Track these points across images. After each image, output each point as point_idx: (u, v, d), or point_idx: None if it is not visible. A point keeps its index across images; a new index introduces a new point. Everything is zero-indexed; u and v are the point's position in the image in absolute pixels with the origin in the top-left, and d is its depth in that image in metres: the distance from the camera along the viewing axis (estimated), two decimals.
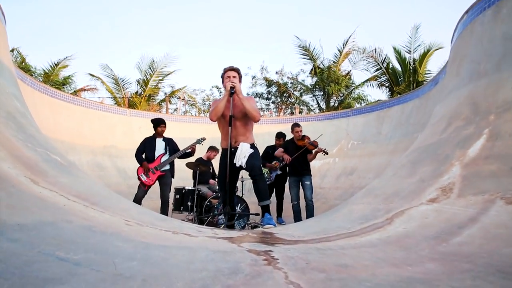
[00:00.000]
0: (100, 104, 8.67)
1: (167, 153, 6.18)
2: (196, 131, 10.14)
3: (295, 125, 6.43)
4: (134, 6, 33.02)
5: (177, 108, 18.27)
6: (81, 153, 7.49)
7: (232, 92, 3.94)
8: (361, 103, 17.19)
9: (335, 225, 2.52)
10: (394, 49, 15.48)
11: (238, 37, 33.17)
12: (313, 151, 6.29)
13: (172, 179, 6.26)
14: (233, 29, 33.44)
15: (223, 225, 5.91)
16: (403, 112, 7.61)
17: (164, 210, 6.17)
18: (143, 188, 5.94)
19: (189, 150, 6.20)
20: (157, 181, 6.07)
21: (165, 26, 33.38)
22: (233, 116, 3.95)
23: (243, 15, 33.25)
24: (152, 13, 33.09)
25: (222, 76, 4.19)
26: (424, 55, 14.91)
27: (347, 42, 16.36)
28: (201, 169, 6.79)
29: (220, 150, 4.31)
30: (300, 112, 16.80)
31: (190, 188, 6.83)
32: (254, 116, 3.95)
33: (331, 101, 16.84)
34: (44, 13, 29.87)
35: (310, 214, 6.20)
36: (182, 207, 6.71)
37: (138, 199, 5.96)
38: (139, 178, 5.95)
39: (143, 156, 6.11)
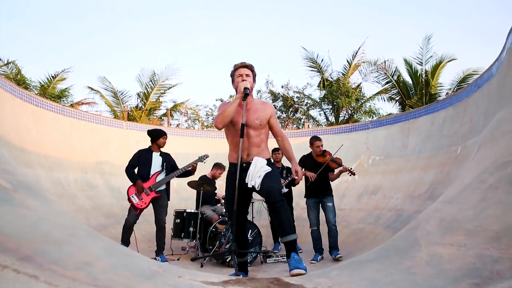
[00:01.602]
0: (93, 115, 7.83)
1: (164, 171, 5.28)
2: (198, 146, 9.26)
3: (315, 139, 5.53)
4: (136, 18, 32.71)
5: (179, 123, 17.46)
6: (69, 169, 6.60)
7: (247, 93, 3.06)
8: (372, 117, 16.35)
9: (422, 282, 1.60)
10: (405, 61, 14.75)
11: (243, 50, 32.67)
12: (337, 170, 5.39)
13: (168, 201, 5.36)
14: (237, 42, 32.99)
15: (230, 257, 4.97)
16: (433, 122, 6.72)
17: (160, 238, 5.24)
18: (134, 212, 5.02)
19: (190, 169, 5.33)
20: (150, 204, 5.17)
21: (167, 40, 32.99)
22: (246, 125, 3.06)
23: (248, 27, 32.87)
24: (154, 26, 32.73)
25: (232, 75, 3.32)
26: (437, 67, 14.17)
27: (356, 53, 15.64)
28: (205, 188, 5.88)
29: (227, 166, 3.43)
30: (308, 127, 15.95)
31: (192, 211, 5.90)
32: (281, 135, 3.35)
33: (340, 115, 16.01)
34: (41, 25, 29.52)
35: (333, 241, 5.27)
36: (183, 233, 5.77)
37: (129, 226, 5.04)
38: (129, 200, 5.04)
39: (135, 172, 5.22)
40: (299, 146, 9.50)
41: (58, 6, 31.71)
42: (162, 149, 5.39)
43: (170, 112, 16.25)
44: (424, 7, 29.01)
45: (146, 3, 31.96)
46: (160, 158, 5.31)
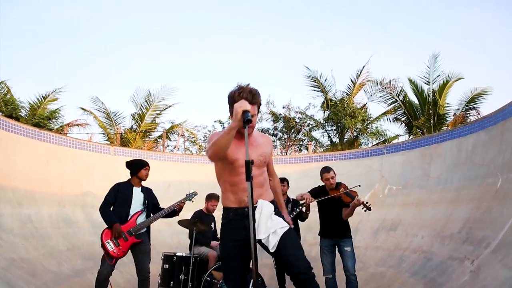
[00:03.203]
0: (74, 140, 7.00)
1: (145, 211, 4.42)
2: (194, 173, 8.39)
3: (324, 170, 4.64)
4: (130, 36, 32.30)
5: (175, 145, 16.64)
6: (43, 204, 5.72)
7: (249, 119, 2.22)
8: (379, 139, 15.56)
9: None
10: (410, 80, 14.11)
11: (243, 67, 32.11)
12: (351, 204, 4.48)
13: (150, 245, 4.48)
14: (237, 60, 32.48)
15: None
16: (461, 148, 5.88)
17: None
18: (109, 262, 4.11)
19: (175, 209, 4.48)
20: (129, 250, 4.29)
21: (163, 59, 32.46)
22: (252, 162, 2.20)
23: (248, 45, 32.42)
24: (150, 44, 32.29)
25: (231, 103, 2.47)
26: (444, 86, 13.53)
27: (361, 72, 14.97)
28: (199, 228, 5.00)
29: (221, 211, 2.68)
30: (313, 150, 15.16)
31: (184, 254, 5.01)
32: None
33: (345, 137, 15.22)
34: (32, 44, 29.03)
35: None
36: (172, 282, 4.85)
37: (103, 280, 4.12)
38: (103, 247, 4.15)
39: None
40: (305, 172, 8.69)
41: (50, 24, 31.35)
42: (143, 183, 4.55)
43: (167, 134, 15.46)
44: (429, 26, 28.61)
45: (141, 20, 31.59)
46: (142, 195, 4.44)
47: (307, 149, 17.40)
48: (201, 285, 4.77)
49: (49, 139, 6.38)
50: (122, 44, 31.87)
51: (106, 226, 4.20)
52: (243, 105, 2.27)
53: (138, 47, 31.56)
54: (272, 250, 2.38)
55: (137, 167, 4.40)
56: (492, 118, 5.35)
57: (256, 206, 2.46)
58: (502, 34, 27.51)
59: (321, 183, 4.73)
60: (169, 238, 7.08)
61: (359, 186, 4.69)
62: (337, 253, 4.55)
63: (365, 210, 4.35)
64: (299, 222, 5.61)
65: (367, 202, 4.35)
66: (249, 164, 2.14)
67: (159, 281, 4.91)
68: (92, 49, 29.92)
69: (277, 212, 2.57)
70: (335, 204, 4.49)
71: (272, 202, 2.59)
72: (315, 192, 4.77)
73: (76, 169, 6.72)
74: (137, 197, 4.39)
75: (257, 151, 2.54)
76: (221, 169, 2.59)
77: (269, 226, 2.42)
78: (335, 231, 4.50)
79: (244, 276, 2.56)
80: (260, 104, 2.59)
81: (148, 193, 4.50)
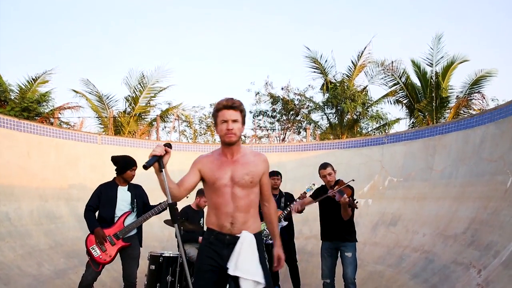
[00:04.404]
0: (58, 129, 6.61)
1: (134, 211, 4.10)
2: (188, 163, 8.04)
3: (320, 167, 4.32)
4: (124, 16, 31.37)
5: (170, 130, 16.25)
6: (22, 199, 5.40)
7: (144, 165, 2.13)
8: (380, 123, 15.17)
9: None
10: (413, 62, 13.61)
11: (240, 48, 31.31)
12: (341, 202, 4.11)
13: (140, 249, 4.19)
14: (234, 40, 31.65)
15: None
16: (468, 141, 5.52)
17: None
18: (95, 269, 3.83)
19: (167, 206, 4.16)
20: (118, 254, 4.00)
21: (158, 39, 31.60)
22: (232, 181, 2.31)
23: (246, 26, 31.52)
24: (144, 25, 31.38)
25: (215, 116, 2.39)
26: (447, 69, 13.05)
27: (362, 53, 14.44)
28: (186, 227, 4.70)
29: (204, 231, 2.54)
30: (311, 135, 14.78)
31: (171, 254, 4.71)
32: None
33: (344, 120, 14.82)
34: (22, 25, 28.17)
35: None
36: (158, 284, 4.57)
37: (86, 285, 3.85)
38: (88, 253, 3.86)
39: (96, 215, 4.04)
40: (302, 161, 8.35)
41: (40, 4, 30.35)
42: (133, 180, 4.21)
43: (162, 117, 15.04)
44: (433, 6, 27.72)
45: (135, 1, 30.62)
46: (129, 194, 4.11)
47: (305, 131, 17.06)
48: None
49: (30, 129, 5.99)
50: (115, 24, 30.99)
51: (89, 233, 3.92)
52: (156, 148, 2.15)
53: (132, 28, 30.71)
54: None
55: (122, 167, 4.04)
56: (503, 110, 4.95)
57: (238, 237, 2.28)
58: (508, 15, 26.65)
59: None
60: (159, 231, 6.80)
61: (353, 180, 4.33)
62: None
63: (351, 209, 4.00)
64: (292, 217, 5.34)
65: (355, 200, 4.00)
66: (172, 207, 2.18)
67: (145, 284, 4.63)
68: (84, 29, 29.10)
69: (260, 250, 2.34)
70: (334, 204, 4.14)
71: (257, 234, 2.36)
72: (316, 192, 4.45)
73: (60, 161, 6.36)
74: (123, 197, 4.06)
75: (243, 170, 2.33)
76: (206, 186, 2.43)
77: (246, 268, 2.21)
78: (335, 233, 4.17)
79: None
80: (245, 114, 2.39)
81: (136, 192, 4.16)
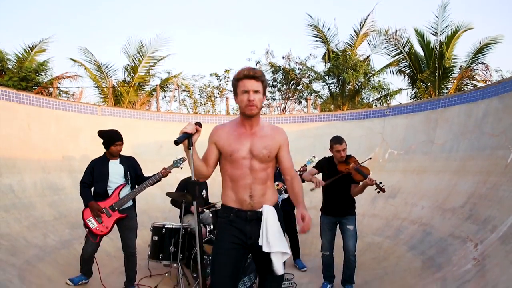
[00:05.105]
0: (58, 100, 6.56)
1: (129, 183, 4.14)
2: None
3: (335, 141, 4.20)
4: None
5: (170, 100, 16.12)
6: (25, 171, 5.43)
7: (175, 140, 2.17)
8: (381, 93, 15.02)
9: None
10: (416, 31, 13.29)
11: (241, 17, 30.56)
12: (361, 183, 4.13)
13: (136, 219, 4.28)
14: (234, 6, 30.81)
15: None
16: (470, 115, 5.48)
17: (130, 267, 4.19)
18: (93, 240, 3.94)
19: (162, 177, 4.25)
20: (115, 226, 4.09)
21: (157, 5, 30.74)
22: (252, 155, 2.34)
23: None
24: None
25: (235, 86, 2.33)
26: (452, 38, 12.75)
27: (365, 22, 14.08)
28: (188, 199, 4.74)
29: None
30: (313, 106, 14.67)
31: (173, 225, 4.79)
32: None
33: (345, 90, 14.67)
34: None
35: (349, 273, 4.20)
36: (161, 254, 4.67)
37: (87, 257, 3.99)
38: (85, 225, 3.95)
39: (91, 191, 4.10)
40: (303, 132, 8.34)
41: None
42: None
43: (161, 87, 14.88)
44: None
45: None
46: (121, 167, 4.14)
47: (306, 101, 16.94)
48: (191, 258, 4.61)
49: (30, 101, 5.94)
50: None
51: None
52: (187, 126, 2.22)
53: None
54: (279, 273, 2.25)
55: (107, 142, 4.05)
56: (507, 84, 4.89)
57: (260, 212, 2.29)
58: None
59: (326, 152, 4.35)
60: (162, 202, 6.88)
61: (370, 158, 4.36)
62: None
63: (378, 192, 3.97)
64: None
65: (380, 183, 3.96)
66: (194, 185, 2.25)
67: (148, 254, 4.74)
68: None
69: (281, 221, 2.36)
70: (342, 180, 4.15)
71: (275, 205, 2.38)
72: (321, 166, 4.42)
73: (61, 132, 6.35)
74: (115, 170, 4.11)
75: (261, 143, 2.31)
76: (222, 160, 2.40)
77: (277, 243, 2.23)
78: (339, 209, 4.20)
79: (234, 285, 2.34)
80: (266, 85, 2.36)
81: (129, 164, 4.20)
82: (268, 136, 2.34)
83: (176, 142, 2.13)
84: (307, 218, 2.25)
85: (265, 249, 2.20)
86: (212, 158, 2.36)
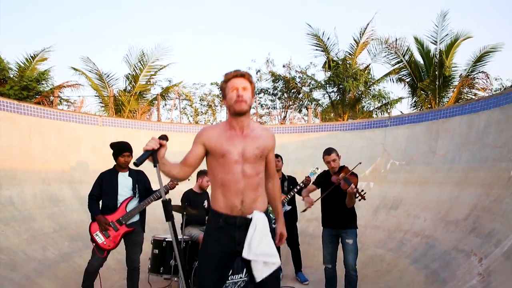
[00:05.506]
0: (59, 111, 6.55)
1: (137, 196, 4.12)
2: (187, 145, 8.03)
3: (324, 152, 4.24)
4: None
5: (170, 109, 16.14)
6: (25, 183, 5.40)
7: (135, 162, 2.12)
8: (382, 102, 15.03)
9: None
10: (416, 39, 13.35)
11: (242, 26, 30.74)
12: (347, 191, 4.10)
13: (143, 234, 4.24)
14: (234, 16, 31.00)
15: None
16: (472, 126, 5.47)
17: (132, 282, 4.15)
18: (100, 255, 3.89)
19: (169, 189, 4.23)
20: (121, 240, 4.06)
21: (157, 16, 30.93)
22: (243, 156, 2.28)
23: (248, 2, 30.81)
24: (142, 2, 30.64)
25: (223, 88, 2.32)
26: (451, 46, 12.80)
27: (364, 30, 14.14)
28: (189, 212, 4.72)
29: (208, 214, 2.54)
30: (313, 114, 14.67)
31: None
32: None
33: (346, 98, 14.68)
34: (21, 2, 27.44)
35: (351, 287, 4.14)
36: (162, 268, 4.63)
37: (92, 271, 3.93)
38: (93, 240, 3.91)
39: (100, 204, 4.07)
40: (304, 143, 8.32)
41: None
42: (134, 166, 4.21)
43: (162, 96, 14.90)
44: None
45: None
46: (130, 180, 4.13)
47: (307, 109, 16.96)
48: (192, 271, 4.57)
49: (30, 112, 5.94)
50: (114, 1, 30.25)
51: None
52: (148, 142, 2.09)
53: (132, 4, 29.97)
54: (257, 280, 2.16)
55: (115, 153, 4.05)
56: (509, 95, 4.89)
57: (250, 218, 2.22)
58: None
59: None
60: (161, 214, 6.77)
61: (360, 163, 4.34)
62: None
63: (359, 200, 3.99)
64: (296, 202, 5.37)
65: (362, 191, 3.95)
66: (167, 204, 2.20)
67: (149, 267, 4.69)
68: (82, 5, 28.42)
69: (271, 229, 2.30)
70: (337, 191, 4.13)
71: (265, 212, 2.31)
72: (318, 180, 4.44)
73: (62, 143, 6.33)
74: (124, 183, 4.09)
75: (253, 144, 2.25)
76: (212, 162, 2.30)
77: (260, 251, 2.16)
78: (337, 221, 4.17)
79: None
80: (254, 86, 2.33)
81: (138, 177, 4.18)
82: (260, 137, 2.31)
83: (136, 164, 2.03)
84: (284, 236, 2.48)
85: (244, 254, 2.15)
86: (194, 157, 2.25)
